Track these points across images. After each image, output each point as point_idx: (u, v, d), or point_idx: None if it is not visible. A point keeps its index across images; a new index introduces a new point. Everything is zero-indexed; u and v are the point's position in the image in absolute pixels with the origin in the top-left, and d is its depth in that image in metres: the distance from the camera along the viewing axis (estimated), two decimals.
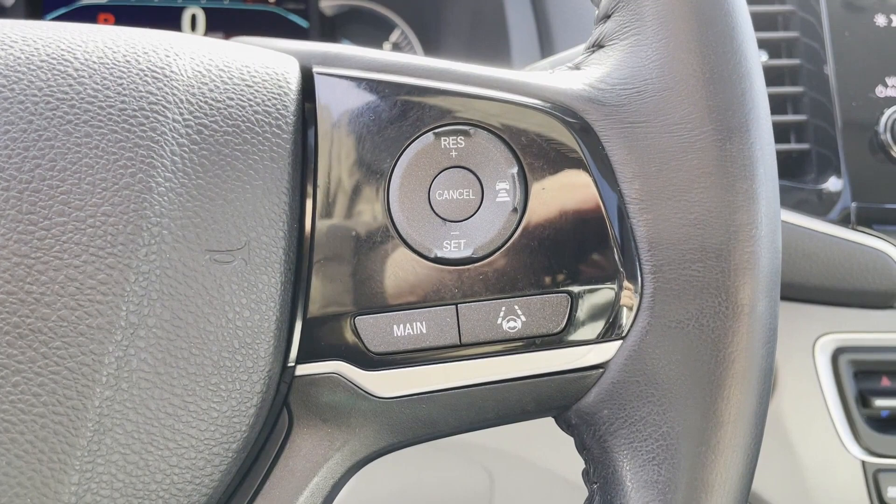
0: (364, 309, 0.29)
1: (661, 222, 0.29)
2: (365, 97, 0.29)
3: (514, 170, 0.30)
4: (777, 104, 0.58)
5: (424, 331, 0.29)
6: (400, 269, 0.29)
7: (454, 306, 0.30)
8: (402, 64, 0.30)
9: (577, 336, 0.30)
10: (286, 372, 0.29)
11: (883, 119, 0.54)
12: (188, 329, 0.26)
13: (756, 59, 0.30)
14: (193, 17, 0.82)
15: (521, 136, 0.30)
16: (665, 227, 0.29)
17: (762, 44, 0.58)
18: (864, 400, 0.58)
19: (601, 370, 0.30)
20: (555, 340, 0.30)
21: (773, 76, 0.58)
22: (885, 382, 0.59)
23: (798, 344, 0.58)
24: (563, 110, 0.30)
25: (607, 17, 0.31)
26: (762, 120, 0.29)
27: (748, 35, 0.30)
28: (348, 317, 0.28)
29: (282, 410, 0.29)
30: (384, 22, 0.82)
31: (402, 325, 0.29)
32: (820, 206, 0.54)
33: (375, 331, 0.29)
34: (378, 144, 0.29)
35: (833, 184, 0.54)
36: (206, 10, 0.83)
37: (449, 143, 0.30)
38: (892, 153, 0.54)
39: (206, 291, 0.26)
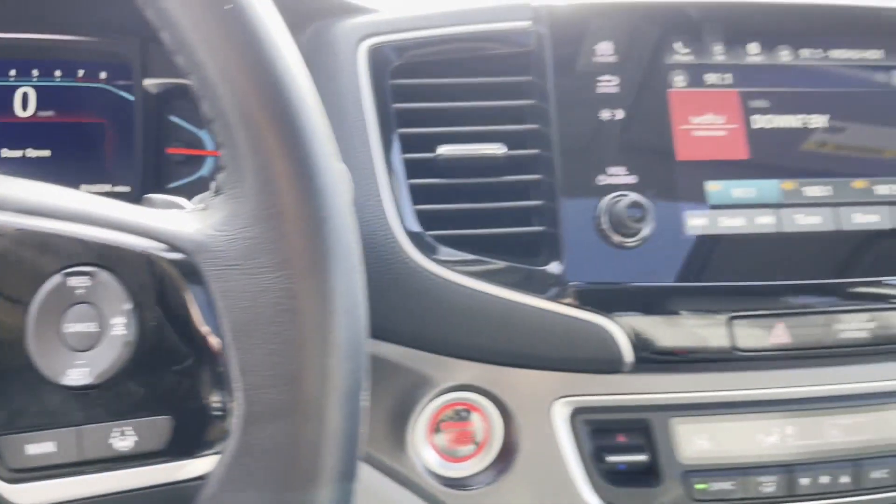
0: (3, 429, 0.34)
1: (249, 351, 0.34)
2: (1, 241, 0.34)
3: (129, 306, 0.35)
4: (521, 190, 0.64)
5: (54, 449, 0.34)
6: (32, 394, 0.34)
7: (77, 427, 0.34)
8: (35, 204, 0.35)
9: (180, 452, 0.35)
10: None
11: (601, 205, 0.61)
12: None
13: (338, 210, 0.35)
14: (25, 96, 0.86)
15: (135, 275, 0.35)
16: (252, 356, 0.34)
17: (503, 136, 0.64)
18: (601, 456, 0.64)
19: (202, 482, 0.35)
20: (160, 457, 0.35)
21: (515, 165, 0.64)
22: (621, 439, 0.65)
23: (536, 407, 0.63)
24: (174, 251, 0.35)
25: (222, 168, 0.36)
26: (337, 263, 0.35)
27: (328, 190, 0.35)
28: None
29: None
30: None
31: (34, 444, 0.34)
32: (546, 284, 0.60)
33: (12, 449, 0.34)
34: (15, 286, 0.34)
35: (556, 265, 0.60)
36: (37, 88, 0.86)
37: (75, 283, 0.35)
38: (608, 235, 0.60)
39: None
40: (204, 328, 0.35)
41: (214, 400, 0.35)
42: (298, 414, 0.34)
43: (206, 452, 0.35)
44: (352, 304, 0.35)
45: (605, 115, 0.64)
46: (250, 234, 0.35)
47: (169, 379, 0.35)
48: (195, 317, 0.35)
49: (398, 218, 0.60)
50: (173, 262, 0.35)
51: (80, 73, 0.87)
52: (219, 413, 0.35)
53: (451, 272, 0.60)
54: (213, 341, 0.35)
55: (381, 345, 0.62)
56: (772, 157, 0.65)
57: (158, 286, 0.35)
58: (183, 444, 0.35)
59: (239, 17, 0.34)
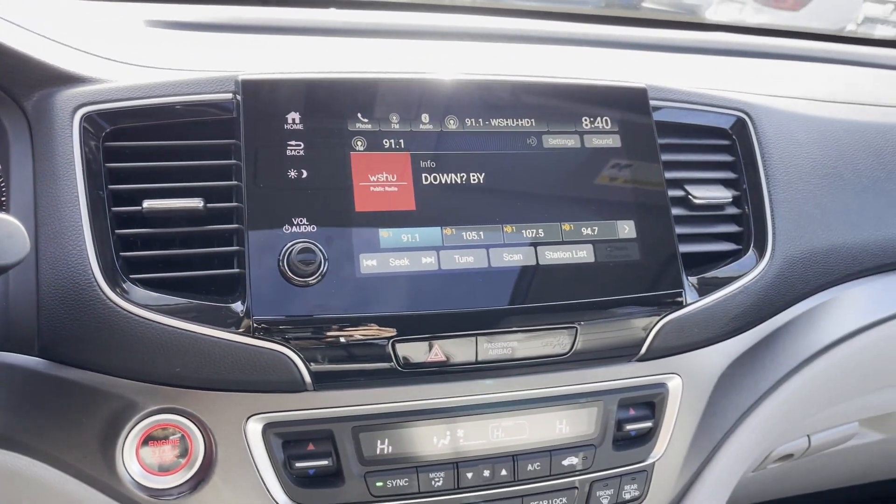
0: None
1: None
2: None
3: None
4: (220, 238, 0.74)
5: None
6: None
7: None
8: None
9: None
10: None
11: (283, 250, 0.72)
12: None
13: None
14: None
15: None
16: None
17: (208, 191, 0.74)
18: (291, 463, 0.76)
19: None
20: None
21: (217, 216, 0.74)
22: (311, 448, 0.77)
23: (232, 425, 0.74)
24: None
25: None
26: None
27: None
28: None
29: None
30: None
31: None
32: (235, 319, 0.71)
33: None
34: None
35: (243, 303, 0.71)
36: None
37: None
38: (289, 276, 0.72)
39: None
40: None
41: None
42: None
43: None
44: None
45: (292, 174, 0.76)
46: None
47: None
48: None
49: (99, 265, 0.69)
50: None
51: None
52: None
53: (148, 312, 0.70)
54: None
55: (91, 375, 0.71)
56: (435, 208, 0.79)
57: None
58: None
59: None
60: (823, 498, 1.60)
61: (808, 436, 1.12)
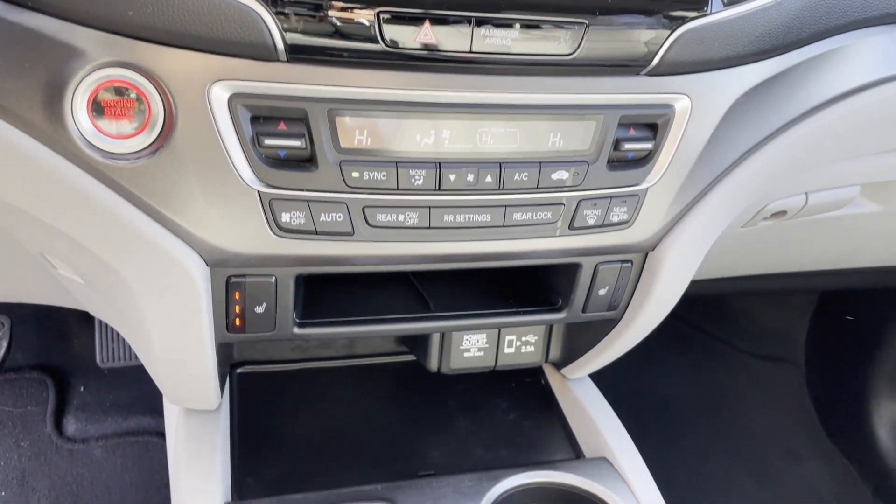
0: None
1: None
2: None
3: None
4: None
5: None
6: None
7: None
8: None
9: None
10: None
11: None
12: None
13: None
14: None
15: None
16: None
17: None
18: (261, 141, 0.70)
19: None
20: None
21: None
22: (283, 127, 0.70)
23: (195, 89, 0.66)
24: None
25: None
26: None
27: None
28: None
29: None
30: None
31: None
32: None
33: None
34: None
35: None
36: None
37: None
38: None
39: None
40: None
41: None
42: None
43: None
44: None
45: None
46: None
47: None
48: None
49: None
50: None
51: None
52: None
53: None
54: None
55: (32, 15, 0.63)
56: None
57: None
58: None
59: None
60: (804, 280, 1.60)
61: (805, 193, 1.08)
